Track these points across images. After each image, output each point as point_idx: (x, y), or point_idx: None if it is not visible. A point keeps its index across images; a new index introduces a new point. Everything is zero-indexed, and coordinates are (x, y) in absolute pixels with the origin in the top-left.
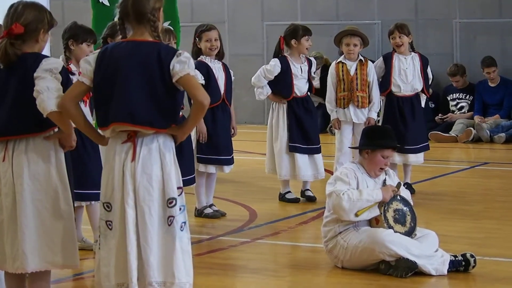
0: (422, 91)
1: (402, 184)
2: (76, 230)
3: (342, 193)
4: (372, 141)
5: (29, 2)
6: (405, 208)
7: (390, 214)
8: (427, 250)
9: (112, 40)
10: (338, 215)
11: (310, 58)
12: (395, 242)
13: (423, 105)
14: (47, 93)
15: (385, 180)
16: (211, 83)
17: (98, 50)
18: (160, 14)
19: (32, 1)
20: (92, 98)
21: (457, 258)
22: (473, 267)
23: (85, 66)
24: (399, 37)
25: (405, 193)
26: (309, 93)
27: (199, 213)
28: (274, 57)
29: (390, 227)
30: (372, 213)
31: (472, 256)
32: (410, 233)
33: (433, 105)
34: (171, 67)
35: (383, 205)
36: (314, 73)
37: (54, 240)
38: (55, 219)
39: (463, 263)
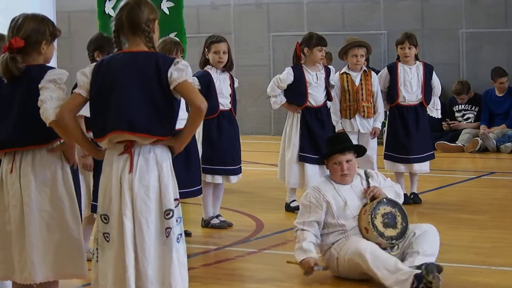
0: (424, 101)
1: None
2: (84, 240)
3: (296, 230)
4: (322, 153)
5: (29, 15)
6: (393, 210)
7: (378, 221)
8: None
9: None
10: None
11: (328, 66)
12: (370, 252)
13: (439, 115)
14: (50, 103)
15: (368, 182)
16: (211, 94)
17: (95, 63)
18: (155, 25)
19: (34, 13)
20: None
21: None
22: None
23: (82, 78)
24: (409, 48)
25: (389, 193)
26: (327, 102)
27: (206, 223)
28: (293, 63)
29: (380, 234)
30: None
31: (433, 270)
32: (403, 233)
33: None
34: (168, 75)
35: (370, 211)
36: (333, 80)
37: (62, 251)
38: (62, 230)
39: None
